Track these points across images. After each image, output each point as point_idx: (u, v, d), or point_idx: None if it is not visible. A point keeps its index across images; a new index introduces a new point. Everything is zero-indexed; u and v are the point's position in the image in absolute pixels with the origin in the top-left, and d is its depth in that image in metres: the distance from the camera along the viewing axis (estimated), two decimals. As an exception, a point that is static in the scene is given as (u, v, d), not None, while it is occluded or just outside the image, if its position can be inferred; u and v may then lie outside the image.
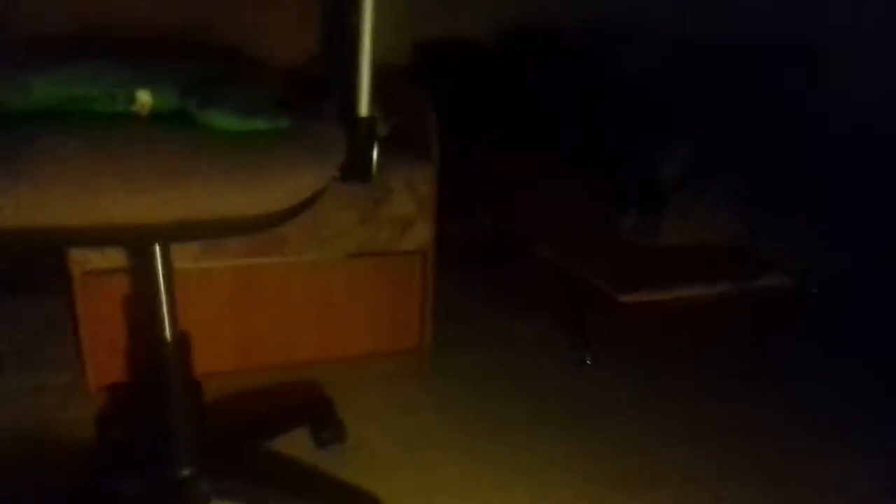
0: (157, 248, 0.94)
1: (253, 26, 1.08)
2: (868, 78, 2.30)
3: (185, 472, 1.05)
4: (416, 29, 2.14)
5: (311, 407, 1.38)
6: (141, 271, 1.34)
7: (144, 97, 0.77)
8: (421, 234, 1.57)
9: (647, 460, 1.32)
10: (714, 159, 1.50)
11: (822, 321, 1.91)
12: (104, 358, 1.41)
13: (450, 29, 2.16)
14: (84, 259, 1.35)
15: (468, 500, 1.19)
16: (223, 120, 0.74)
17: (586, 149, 1.66)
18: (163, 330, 1.01)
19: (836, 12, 2.31)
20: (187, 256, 1.39)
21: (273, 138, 0.78)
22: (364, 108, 0.90)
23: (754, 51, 2.18)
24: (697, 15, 2.28)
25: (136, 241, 0.87)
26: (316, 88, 1.10)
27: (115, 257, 1.37)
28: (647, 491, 1.24)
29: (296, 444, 1.29)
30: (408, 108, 1.58)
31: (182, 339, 1.04)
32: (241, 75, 0.88)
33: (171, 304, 1.00)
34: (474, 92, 1.91)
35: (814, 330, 1.88)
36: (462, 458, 1.29)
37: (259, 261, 1.46)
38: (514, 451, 1.32)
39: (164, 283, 0.98)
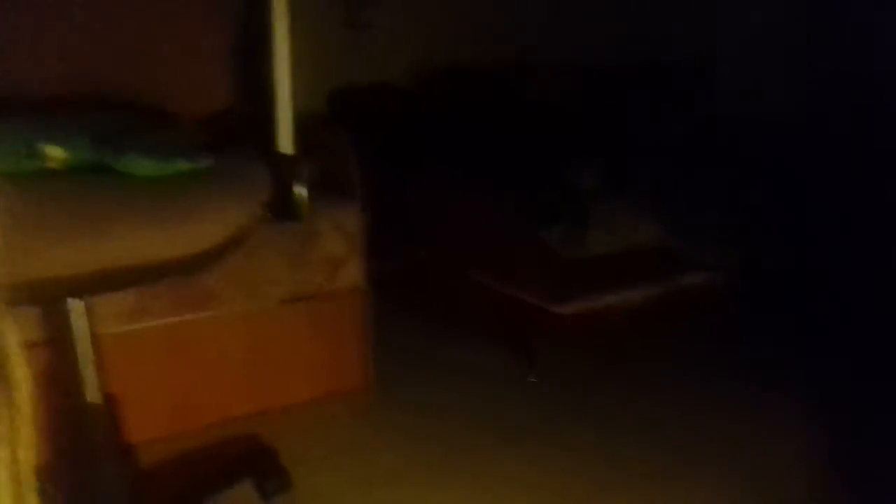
0: (79, 304, 0.89)
1: (165, 79, 1.06)
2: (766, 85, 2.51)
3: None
4: (331, 76, 2.15)
5: (252, 459, 1.33)
6: (62, 337, 1.26)
7: (54, 151, 0.74)
8: (353, 273, 1.56)
9: (603, 465, 1.33)
10: (628, 168, 1.57)
11: (747, 314, 2.01)
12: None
13: (365, 75, 2.19)
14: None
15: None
16: (142, 164, 0.73)
17: (508, 173, 1.71)
18: (88, 395, 0.95)
19: (726, 30, 2.51)
20: (112, 320, 1.32)
21: (195, 179, 0.76)
22: (287, 146, 0.90)
23: (655, 71, 2.34)
24: (602, 45, 2.42)
25: (54, 295, 0.83)
26: (235, 134, 1.09)
27: (31, 329, 1.29)
28: (608, 494, 1.25)
29: (241, 499, 1.23)
30: (329, 152, 1.59)
31: (110, 402, 0.98)
32: (156, 123, 0.86)
33: (97, 367, 0.95)
34: (396, 133, 1.94)
35: (740, 324, 1.97)
36: (420, 490, 1.27)
37: (188, 318, 1.41)
38: (473, 475, 1.31)
39: (88, 344, 0.93)
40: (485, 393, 1.61)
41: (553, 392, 1.61)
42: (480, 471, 1.32)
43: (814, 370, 1.67)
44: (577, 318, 1.55)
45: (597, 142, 1.75)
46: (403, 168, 1.84)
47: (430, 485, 1.28)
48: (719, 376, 1.67)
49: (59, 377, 1.25)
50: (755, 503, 1.22)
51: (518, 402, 1.57)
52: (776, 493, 1.24)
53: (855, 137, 2.29)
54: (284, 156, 0.88)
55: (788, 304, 2.06)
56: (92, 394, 0.96)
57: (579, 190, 1.48)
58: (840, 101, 2.69)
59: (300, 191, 0.90)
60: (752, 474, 1.30)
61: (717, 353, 1.81)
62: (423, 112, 2.04)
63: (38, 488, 0.33)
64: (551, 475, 1.31)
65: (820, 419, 1.46)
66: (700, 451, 1.37)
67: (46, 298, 0.82)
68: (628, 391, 1.61)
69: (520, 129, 1.78)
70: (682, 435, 1.42)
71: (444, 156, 1.80)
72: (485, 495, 1.25)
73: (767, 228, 1.83)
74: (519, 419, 1.50)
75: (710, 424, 1.46)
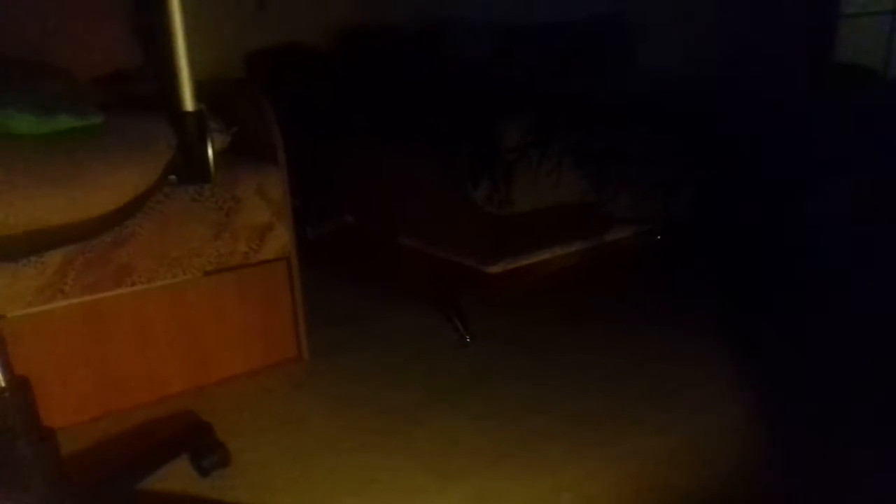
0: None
1: (59, 35, 1.00)
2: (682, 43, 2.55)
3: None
4: (246, 40, 2.08)
5: (188, 436, 1.30)
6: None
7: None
8: (281, 241, 1.52)
9: (535, 417, 1.37)
10: (551, 124, 1.58)
11: (671, 269, 2.08)
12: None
13: (283, 36, 2.13)
14: None
15: (371, 494, 1.17)
16: (22, 120, 0.68)
17: (432, 133, 1.69)
18: (-4, 377, 0.90)
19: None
20: (19, 302, 1.26)
21: (86, 138, 0.72)
22: (189, 103, 0.86)
23: (578, 29, 2.35)
24: (522, 4, 2.42)
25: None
26: (139, 98, 1.04)
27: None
28: (545, 444, 1.28)
29: (178, 477, 1.21)
30: (248, 117, 1.54)
31: (20, 386, 0.94)
32: (37, 75, 0.81)
33: (1, 349, 0.90)
34: (316, 94, 1.89)
35: (664, 278, 2.04)
36: (357, 456, 1.27)
37: (105, 295, 1.36)
38: (411, 438, 1.32)
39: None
40: (419, 355, 1.62)
41: (486, 350, 1.63)
42: (417, 432, 1.33)
43: (737, 323, 1.75)
44: (506, 277, 1.57)
45: (520, 99, 1.75)
46: (327, 131, 1.80)
47: (369, 450, 1.28)
48: (644, 328, 1.73)
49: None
50: (678, 445, 1.27)
51: (452, 361, 1.59)
52: (697, 437, 1.30)
53: (775, 95, 2.38)
54: (187, 112, 0.84)
55: (713, 259, 2.14)
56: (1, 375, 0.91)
57: (503, 148, 1.48)
58: (759, 57, 2.78)
59: (208, 151, 0.87)
60: (673, 419, 1.35)
61: (642, 306, 1.87)
62: (342, 73, 2.00)
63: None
64: (486, 430, 1.33)
65: (743, 370, 1.53)
66: (626, 400, 1.42)
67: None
68: (558, 345, 1.64)
69: (441, 89, 1.77)
70: (609, 385, 1.47)
71: (367, 117, 1.77)
72: (423, 456, 1.26)
73: (691, 183, 1.88)
74: (456, 380, 1.51)
75: (636, 375, 1.51)
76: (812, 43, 2.85)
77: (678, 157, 1.76)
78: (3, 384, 0.90)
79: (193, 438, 1.27)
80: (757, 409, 1.36)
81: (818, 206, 2.24)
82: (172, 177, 0.86)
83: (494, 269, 1.56)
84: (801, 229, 2.25)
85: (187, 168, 0.87)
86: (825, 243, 2.20)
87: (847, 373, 1.50)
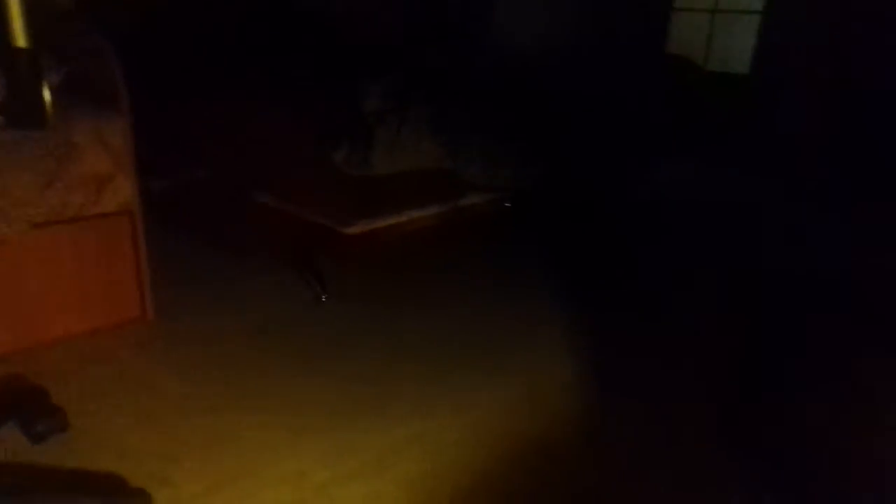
0: None
1: None
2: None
3: None
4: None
5: (17, 401, 1.20)
6: None
7: None
8: (122, 193, 1.43)
9: (388, 373, 1.42)
10: (411, 93, 1.61)
11: (522, 234, 2.22)
12: None
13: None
14: None
15: (222, 453, 1.16)
16: None
17: (292, 91, 1.65)
18: None
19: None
20: None
21: None
22: (21, 38, 0.78)
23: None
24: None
25: None
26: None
27: None
28: (397, 399, 1.34)
29: (7, 444, 1.12)
30: (84, 54, 1.40)
31: None
32: None
33: None
34: (156, 34, 1.75)
35: (514, 243, 2.17)
36: (205, 417, 1.25)
37: (-89, 246, 1.20)
38: (264, 396, 1.32)
39: None
40: (276, 316, 1.61)
41: (344, 310, 1.66)
42: (272, 392, 1.33)
43: (573, 288, 1.91)
44: (363, 237, 1.59)
45: (382, 64, 1.76)
46: (174, 79, 1.69)
47: (214, 412, 1.26)
48: (493, 291, 1.84)
49: None
50: (518, 396, 1.38)
51: (306, 321, 1.60)
52: (536, 389, 1.42)
53: (618, 80, 2.56)
54: (18, 49, 0.76)
55: (563, 227, 2.31)
56: None
57: (364, 111, 1.49)
58: (604, 40, 2.97)
59: (44, 93, 0.80)
60: (514, 372, 1.47)
61: (490, 268, 1.98)
62: (190, 14, 1.87)
63: None
64: (340, 389, 1.36)
65: (575, 331, 1.68)
66: (472, 357, 1.51)
67: None
68: (412, 306, 1.71)
69: (299, 46, 1.72)
70: (457, 343, 1.56)
71: (228, 67, 1.69)
72: (277, 416, 1.27)
73: (543, 152, 2.01)
74: (312, 338, 1.53)
75: (483, 334, 1.61)
76: (649, 31, 3.10)
77: (529, 132, 1.87)
78: None
79: (25, 403, 1.18)
80: (589, 366, 1.52)
81: (646, 188, 2.49)
82: (1, 118, 0.79)
83: (352, 229, 1.57)
84: (633, 206, 2.48)
85: (17, 110, 0.80)
86: (651, 220, 2.45)
87: (670, 332, 1.71)
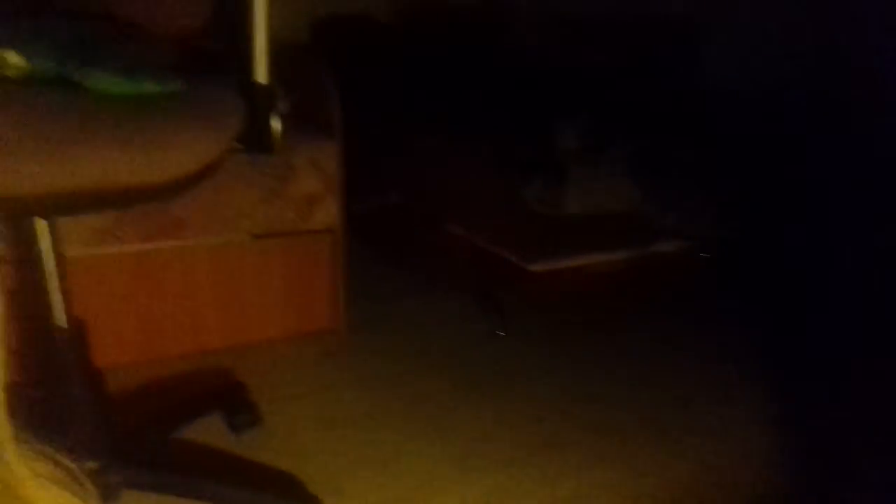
0: (43, 225, 0.88)
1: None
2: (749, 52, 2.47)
3: (91, 465, 1.00)
4: (312, 7, 2.09)
5: (222, 393, 1.34)
6: (27, 259, 1.25)
7: (13, 59, 0.71)
8: (329, 213, 1.55)
9: (558, 419, 1.37)
10: (610, 130, 1.56)
11: (717, 287, 2.05)
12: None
13: (346, 7, 2.13)
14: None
15: (392, 473, 1.20)
16: (107, 82, 0.70)
17: (490, 124, 1.69)
18: (55, 316, 0.95)
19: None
20: (77, 242, 1.31)
21: (163, 103, 0.74)
22: (262, 75, 0.87)
23: (643, 27, 2.29)
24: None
25: (18, 214, 0.81)
26: (209, 58, 1.05)
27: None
28: (560, 447, 1.29)
29: (209, 431, 1.25)
30: (309, 85, 1.55)
31: (77, 325, 0.98)
32: (124, 36, 0.83)
33: (63, 288, 0.94)
34: (377, 70, 1.89)
35: (709, 296, 2.00)
36: (382, 434, 1.30)
37: (158, 245, 1.40)
38: (434, 424, 1.34)
39: (54, 265, 0.92)
40: (452, 343, 1.64)
41: (518, 346, 1.64)
42: (440, 419, 1.35)
43: (779, 349, 1.71)
44: (547, 276, 1.57)
45: (581, 98, 1.73)
46: (386, 108, 1.81)
47: (391, 429, 1.31)
48: (682, 346, 1.71)
49: (26, 298, 1.25)
50: (697, 468, 1.26)
51: (483, 354, 1.60)
52: (725, 466, 1.29)
53: (839, 117, 2.29)
54: (259, 85, 0.85)
55: (762, 281, 2.10)
56: (58, 315, 0.96)
57: (560, 149, 1.48)
58: (827, 79, 2.67)
59: (274, 123, 0.89)
60: (702, 442, 1.34)
61: (682, 323, 1.84)
62: (408, 51, 1.99)
63: (8, 406, 0.34)
64: (508, 426, 1.34)
65: (782, 401, 1.50)
66: (656, 415, 1.41)
67: (8, 215, 0.80)
68: (591, 351, 1.64)
69: (503, 81, 1.76)
70: (640, 397, 1.46)
71: (427, 100, 1.77)
72: (443, 446, 1.28)
73: (745, 203, 1.84)
74: (483, 372, 1.53)
75: (669, 391, 1.50)
76: None
77: (732, 177, 1.72)
78: (64, 324, 0.95)
79: (228, 396, 1.31)
80: (781, 438, 1.34)
81: (869, 241, 2.17)
82: (238, 144, 0.88)
83: (536, 267, 1.56)
84: (848, 260, 2.18)
85: (253, 139, 0.89)
86: (871, 276, 2.14)
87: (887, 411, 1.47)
